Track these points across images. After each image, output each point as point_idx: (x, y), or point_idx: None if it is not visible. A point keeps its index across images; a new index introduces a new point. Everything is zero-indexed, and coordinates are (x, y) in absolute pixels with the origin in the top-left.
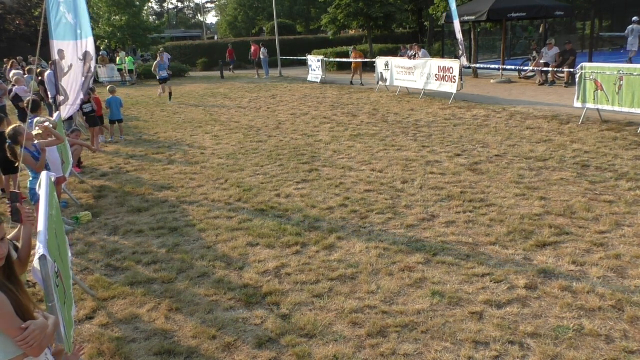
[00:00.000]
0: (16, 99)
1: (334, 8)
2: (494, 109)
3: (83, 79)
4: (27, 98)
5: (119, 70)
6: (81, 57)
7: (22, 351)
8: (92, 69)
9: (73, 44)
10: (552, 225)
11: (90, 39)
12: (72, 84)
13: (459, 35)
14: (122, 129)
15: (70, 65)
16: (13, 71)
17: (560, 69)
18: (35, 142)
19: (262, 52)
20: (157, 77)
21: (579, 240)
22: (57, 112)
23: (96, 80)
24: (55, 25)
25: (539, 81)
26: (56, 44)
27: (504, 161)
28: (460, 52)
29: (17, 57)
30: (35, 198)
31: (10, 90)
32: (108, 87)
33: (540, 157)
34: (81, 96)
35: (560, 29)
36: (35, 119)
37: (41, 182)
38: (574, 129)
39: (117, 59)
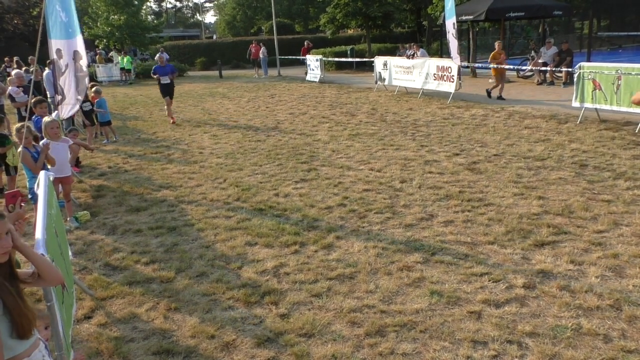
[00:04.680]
0: (11, 100)
1: (333, 7)
2: (493, 108)
3: (76, 78)
4: (25, 100)
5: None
6: (73, 57)
7: (17, 353)
8: (85, 69)
9: (67, 43)
10: (550, 224)
11: (80, 38)
12: (69, 83)
13: (449, 37)
14: (114, 130)
15: (67, 65)
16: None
17: (558, 68)
18: (43, 141)
19: (262, 52)
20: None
21: (577, 240)
22: (55, 111)
23: (95, 80)
24: (53, 24)
25: (538, 81)
26: (54, 43)
27: (502, 161)
28: (452, 53)
29: (14, 58)
30: (34, 198)
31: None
32: (94, 88)
33: (538, 156)
34: (78, 96)
35: (559, 28)
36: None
37: (40, 181)
38: (572, 129)
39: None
